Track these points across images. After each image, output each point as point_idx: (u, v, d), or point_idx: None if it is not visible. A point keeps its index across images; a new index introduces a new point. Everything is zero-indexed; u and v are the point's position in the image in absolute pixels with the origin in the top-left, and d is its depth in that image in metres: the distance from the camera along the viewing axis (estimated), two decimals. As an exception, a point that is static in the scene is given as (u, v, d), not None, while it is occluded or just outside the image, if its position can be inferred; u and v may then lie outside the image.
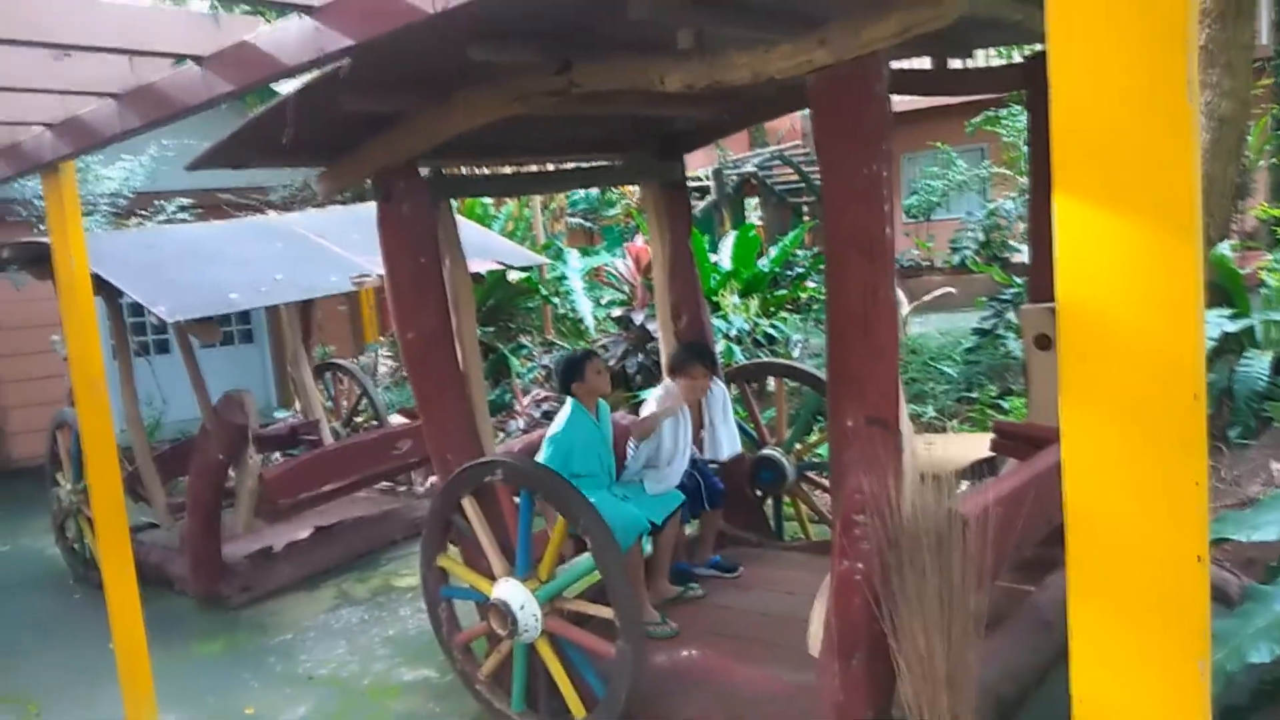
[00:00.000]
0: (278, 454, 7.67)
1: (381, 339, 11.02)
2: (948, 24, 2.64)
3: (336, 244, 6.58)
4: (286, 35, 2.50)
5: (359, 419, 8.24)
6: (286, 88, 3.18)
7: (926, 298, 10.65)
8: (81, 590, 6.45)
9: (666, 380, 4.69)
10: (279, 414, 10.34)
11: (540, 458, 4.24)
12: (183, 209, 9.60)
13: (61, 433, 6.63)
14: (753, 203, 17.22)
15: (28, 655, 5.43)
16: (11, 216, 8.97)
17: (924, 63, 4.78)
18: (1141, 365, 1.38)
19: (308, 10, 2.40)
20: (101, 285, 5.48)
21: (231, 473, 6.11)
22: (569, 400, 4.39)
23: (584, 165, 5.21)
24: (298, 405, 8.26)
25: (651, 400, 4.57)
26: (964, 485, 4.49)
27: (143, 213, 9.54)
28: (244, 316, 12.23)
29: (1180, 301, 1.34)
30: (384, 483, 7.35)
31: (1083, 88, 1.36)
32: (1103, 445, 1.43)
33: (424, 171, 4.06)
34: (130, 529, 6.58)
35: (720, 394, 4.79)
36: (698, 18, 2.88)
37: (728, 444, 4.81)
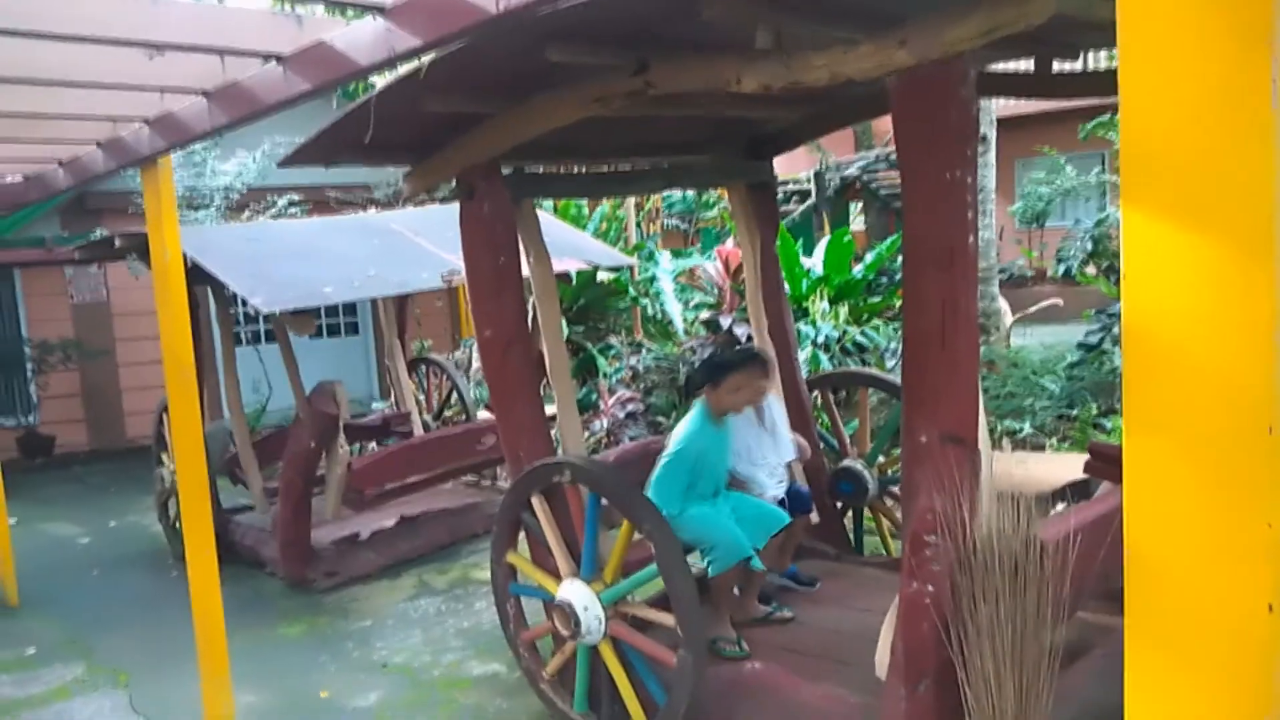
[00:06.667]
0: (374, 444, 7.87)
1: (476, 335, 11.18)
2: (1040, 25, 2.50)
3: (431, 241, 6.70)
4: (360, 36, 2.53)
5: (448, 413, 8.38)
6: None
7: (1031, 309, 10.28)
8: (179, 568, 6.69)
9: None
10: (378, 405, 10.59)
11: (656, 476, 3.97)
12: (292, 204, 9.91)
13: (167, 414, 6.91)
14: (857, 207, 16.86)
15: (124, 628, 5.69)
16: (132, 209, 9.40)
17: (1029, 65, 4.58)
18: (1212, 395, 1.26)
19: (380, 10, 2.43)
20: (209, 276, 5.72)
21: (323, 460, 6.28)
22: (696, 406, 4.06)
23: (668, 165, 5.17)
24: (394, 397, 8.46)
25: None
26: (1059, 507, 4.28)
27: (255, 207, 9.89)
28: (350, 309, 12.58)
29: (1256, 327, 1.22)
30: (468, 476, 7.46)
31: (1153, 91, 1.26)
32: (1167, 479, 1.32)
33: (506, 171, 4.09)
34: (227, 511, 6.91)
35: (774, 399, 4.54)
36: (776, 17, 2.81)
37: (794, 445, 4.58)
